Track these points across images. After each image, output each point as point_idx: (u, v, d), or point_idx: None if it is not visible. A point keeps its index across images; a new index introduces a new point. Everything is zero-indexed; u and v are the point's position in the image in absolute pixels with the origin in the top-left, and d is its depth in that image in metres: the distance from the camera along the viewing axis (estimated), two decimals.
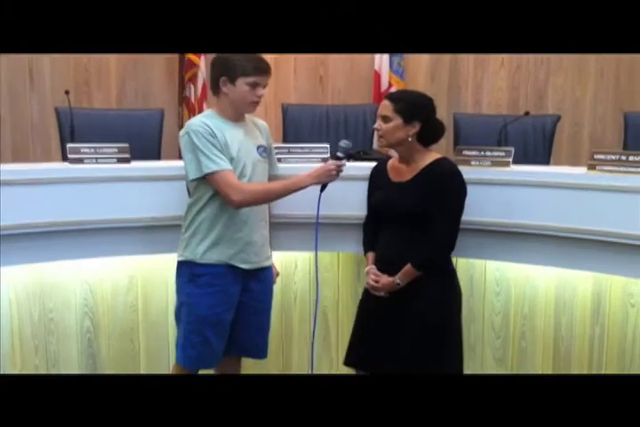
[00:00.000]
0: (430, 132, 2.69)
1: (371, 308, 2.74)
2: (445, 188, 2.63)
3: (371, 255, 2.78)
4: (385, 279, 2.66)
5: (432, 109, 2.72)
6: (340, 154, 2.68)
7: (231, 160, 2.62)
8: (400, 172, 2.73)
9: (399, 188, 2.69)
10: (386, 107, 2.66)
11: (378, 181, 2.80)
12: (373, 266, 2.73)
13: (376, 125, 2.69)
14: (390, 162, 2.81)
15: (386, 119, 2.66)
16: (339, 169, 2.65)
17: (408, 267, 2.62)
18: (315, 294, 2.90)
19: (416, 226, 2.63)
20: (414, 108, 2.65)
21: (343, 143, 2.70)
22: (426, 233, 2.61)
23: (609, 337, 2.97)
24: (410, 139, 2.66)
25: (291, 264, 3.24)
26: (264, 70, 2.64)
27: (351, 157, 3.05)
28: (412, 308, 2.63)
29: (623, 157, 2.81)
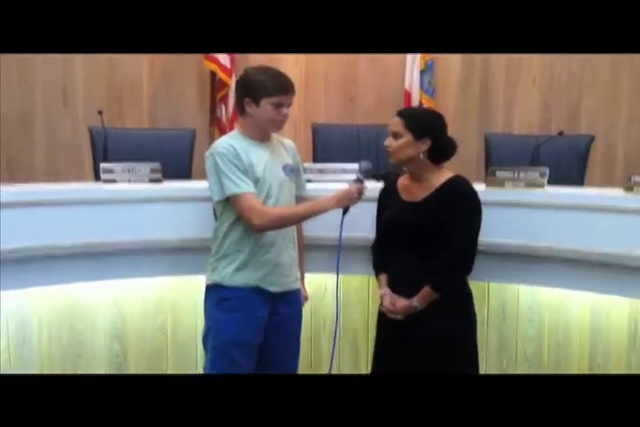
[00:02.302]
0: (441, 149, 2.65)
1: (387, 333, 2.69)
2: (462, 207, 2.58)
3: (383, 277, 2.73)
4: (402, 302, 2.61)
5: (443, 126, 2.68)
6: (360, 176, 2.65)
7: (257, 181, 2.62)
8: (411, 191, 2.69)
9: (412, 207, 2.64)
10: (396, 123, 2.63)
11: (388, 200, 2.75)
12: (388, 288, 2.68)
13: (386, 142, 2.66)
14: (400, 181, 2.75)
15: (396, 136, 2.63)
16: (360, 192, 2.62)
17: (426, 289, 2.57)
18: (341, 317, 2.86)
19: (430, 246, 2.58)
20: (424, 124, 2.63)
21: (364, 164, 2.68)
22: (442, 253, 2.56)
23: None
24: (421, 156, 2.63)
25: (320, 287, 3.22)
26: (287, 90, 2.63)
27: (383, 177, 3.02)
28: (427, 332, 2.57)
29: None
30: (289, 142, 2.84)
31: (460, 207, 2.58)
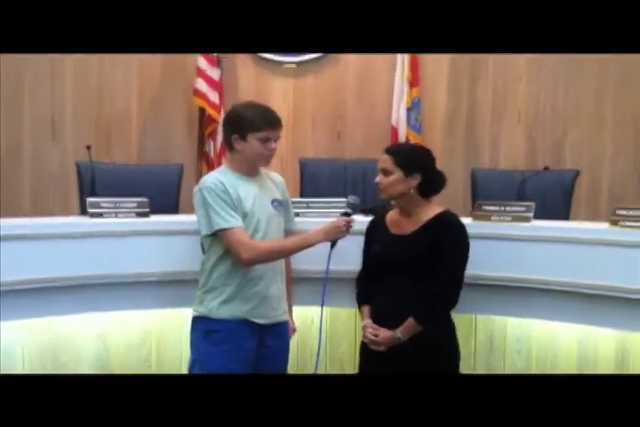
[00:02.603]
0: (431, 183, 2.69)
1: (370, 365, 2.69)
2: (450, 241, 2.61)
3: (366, 309, 2.74)
4: (385, 333, 2.61)
5: (431, 161, 2.72)
6: (348, 210, 2.68)
7: (245, 215, 2.63)
8: (400, 224, 2.71)
9: (401, 240, 2.66)
10: (385, 160, 2.67)
11: (376, 234, 2.77)
12: (370, 320, 2.69)
13: (377, 179, 2.70)
14: (389, 215, 2.79)
15: (386, 173, 2.66)
16: (348, 225, 2.64)
17: (410, 321, 2.58)
18: (328, 349, 2.83)
19: (417, 279, 2.60)
20: (414, 160, 2.67)
21: (351, 199, 2.71)
22: (428, 286, 2.57)
23: None
24: (412, 191, 2.66)
25: (307, 319, 3.20)
26: (273, 124, 2.66)
27: (372, 211, 3.04)
28: (411, 364, 2.56)
29: None
30: (278, 177, 2.86)
31: (448, 242, 2.60)
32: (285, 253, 2.73)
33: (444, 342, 2.64)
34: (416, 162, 2.67)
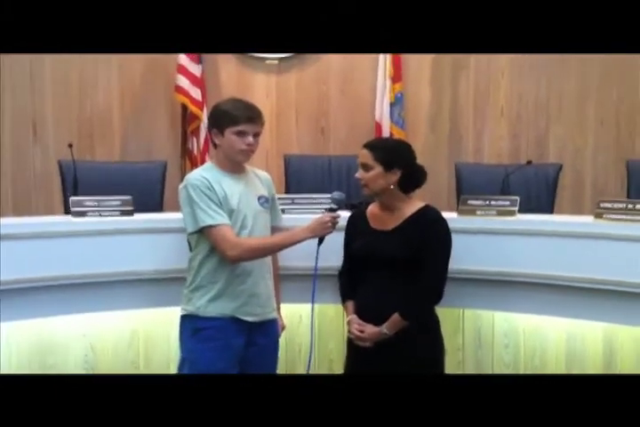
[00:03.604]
0: (411, 178, 2.68)
1: (356, 361, 2.69)
2: (433, 236, 2.61)
3: (350, 304, 2.74)
4: (370, 329, 2.62)
5: (411, 155, 2.71)
6: (333, 206, 2.67)
7: (231, 212, 2.62)
8: (382, 220, 2.71)
9: (383, 236, 2.66)
10: (365, 155, 2.66)
11: (357, 228, 2.76)
12: (355, 316, 2.69)
13: (357, 175, 2.69)
14: (369, 209, 2.78)
15: (366, 168, 2.65)
16: (334, 221, 2.63)
17: (395, 316, 2.59)
18: (316, 347, 2.83)
19: (400, 274, 2.60)
20: (393, 155, 2.65)
21: (336, 195, 2.69)
22: (412, 282, 2.58)
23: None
24: (392, 186, 2.65)
25: (295, 317, 3.19)
26: (250, 118, 2.64)
27: (354, 207, 3.04)
28: (396, 360, 2.57)
29: (630, 206, 2.80)
30: (264, 174, 2.85)
31: (431, 237, 2.61)
32: (271, 251, 2.72)
33: (428, 336, 2.65)
34: (395, 157, 2.65)
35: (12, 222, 2.94)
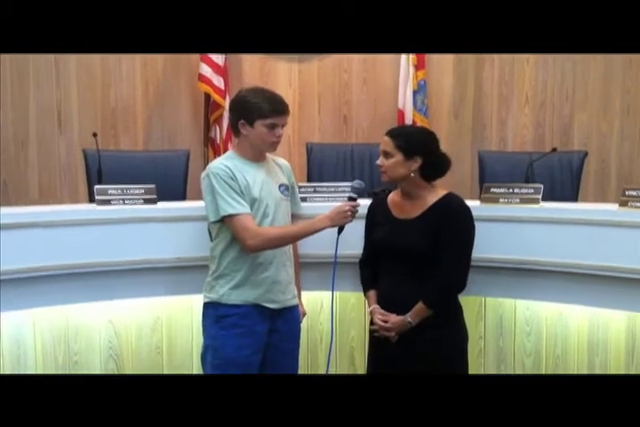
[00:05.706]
0: (433, 167, 2.65)
1: (379, 350, 2.68)
2: (456, 224, 2.59)
3: (372, 294, 2.73)
4: (395, 318, 2.60)
5: (434, 143, 2.68)
6: (353, 195, 2.66)
7: (254, 200, 2.63)
8: (404, 208, 2.69)
9: (406, 225, 2.64)
10: (386, 143, 2.64)
11: (378, 217, 2.74)
12: (377, 306, 2.68)
13: (378, 162, 2.67)
14: (391, 197, 2.76)
15: (387, 155, 2.63)
16: (353, 210, 2.63)
17: (420, 306, 2.57)
18: (337, 334, 2.84)
19: (424, 264, 2.59)
20: (414, 143, 2.63)
21: (356, 184, 2.69)
22: (434, 271, 2.57)
23: None
24: (412, 174, 2.63)
25: (317, 304, 3.20)
26: (281, 111, 2.65)
27: (375, 195, 3.04)
28: (420, 348, 2.57)
29: None
30: (284, 162, 2.86)
31: (454, 225, 2.59)
32: (291, 240, 2.72)
33: (452, 324, 2.64)
34: (416, 145, 2.63)
35: (38, 211, 2.98)
